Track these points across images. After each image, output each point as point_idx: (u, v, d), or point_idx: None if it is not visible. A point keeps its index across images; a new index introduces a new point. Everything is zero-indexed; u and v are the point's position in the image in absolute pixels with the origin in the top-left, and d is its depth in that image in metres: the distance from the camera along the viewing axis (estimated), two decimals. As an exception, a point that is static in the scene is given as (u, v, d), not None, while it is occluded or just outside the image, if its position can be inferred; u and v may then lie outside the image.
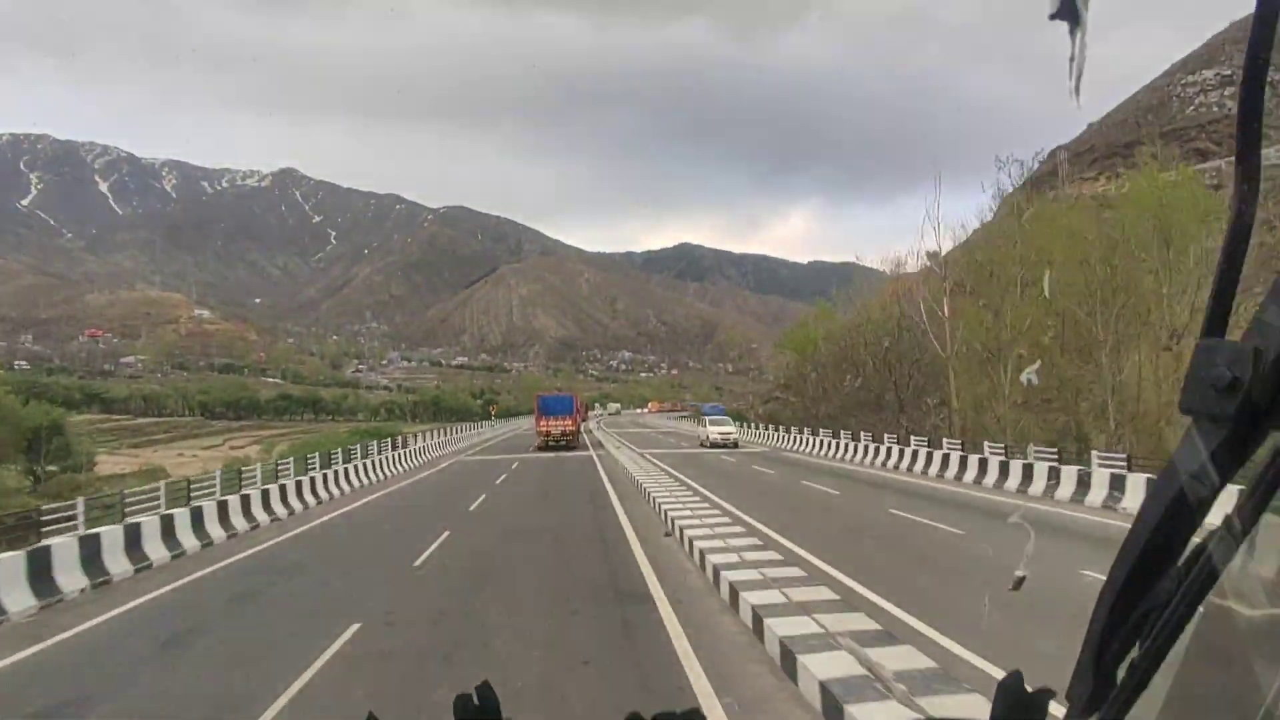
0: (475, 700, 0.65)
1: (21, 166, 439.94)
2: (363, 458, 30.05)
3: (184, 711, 6.81)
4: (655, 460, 31.17)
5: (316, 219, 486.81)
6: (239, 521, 17.06)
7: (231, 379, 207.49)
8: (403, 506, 22.18)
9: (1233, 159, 0.58)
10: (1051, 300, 35.57)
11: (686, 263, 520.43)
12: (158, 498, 16.96)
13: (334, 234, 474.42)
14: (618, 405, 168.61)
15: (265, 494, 18.98)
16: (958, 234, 42.79)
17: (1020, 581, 1.14)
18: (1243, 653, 0.67)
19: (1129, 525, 0.64)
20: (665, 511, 15.95)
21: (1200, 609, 0.61)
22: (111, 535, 12.80)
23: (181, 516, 15.05)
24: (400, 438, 40.34)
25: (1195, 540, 0.61)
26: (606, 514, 18.00)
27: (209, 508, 16.15)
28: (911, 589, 9.78)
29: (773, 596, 8.66)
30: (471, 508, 19.95)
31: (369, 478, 28.27)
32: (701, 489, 20.95)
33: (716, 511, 15.98)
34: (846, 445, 34.98)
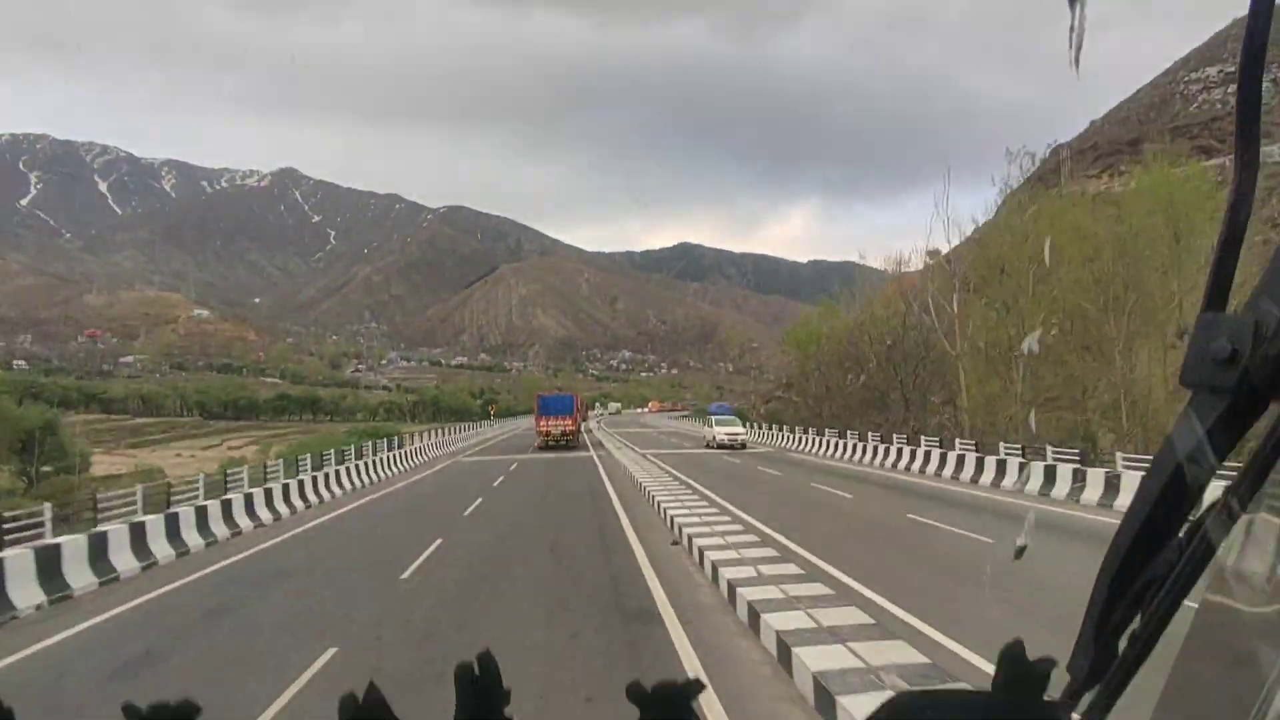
0: (476, 670, 0.64)
1: (21, 166, 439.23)
2: (357, 459, 29.11)
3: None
4: (658, 461, 30.23)
5: (316, 219, 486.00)
6: (219, 528, 16.09)
7: (230, 379, 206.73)
8: (395, 511, 21.23)
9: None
10: (1062, 296, 34.75)
11: (686, 262, 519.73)
12: (134, 503, 16.03)
13: (333, 234, 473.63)
14: (618, 405, 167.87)
15: (249, 499, 18.01)
16: (964, 230, 41.90)
17: (1021, 551, 1.09)
18: (1239, 648, 0.67)
19: None
20: (671, 518, 15.00)
21: (1202, 584, 0.61)
22: (75, 546, 11.84)
23: (155, 524, 14.08)
24: (396, 438, 39.41)
25: (1195, 513, 0.61)
26: (608, 519, 17.06)
27: (186, 514, 15.20)
28: (951, 609, 8.80)
29: (799, 619, 7.70)
30: (467, 512, 19.00)
31: (363, 480, 27.32)
32: (707, 491, 20.01)
33: (726, 518, 15.02)
34: (854, 446, 34.00)
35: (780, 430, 45.98)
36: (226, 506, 16.92)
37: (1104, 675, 0.63)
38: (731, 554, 11.11)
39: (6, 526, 12.63)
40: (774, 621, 7.68)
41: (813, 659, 6.48)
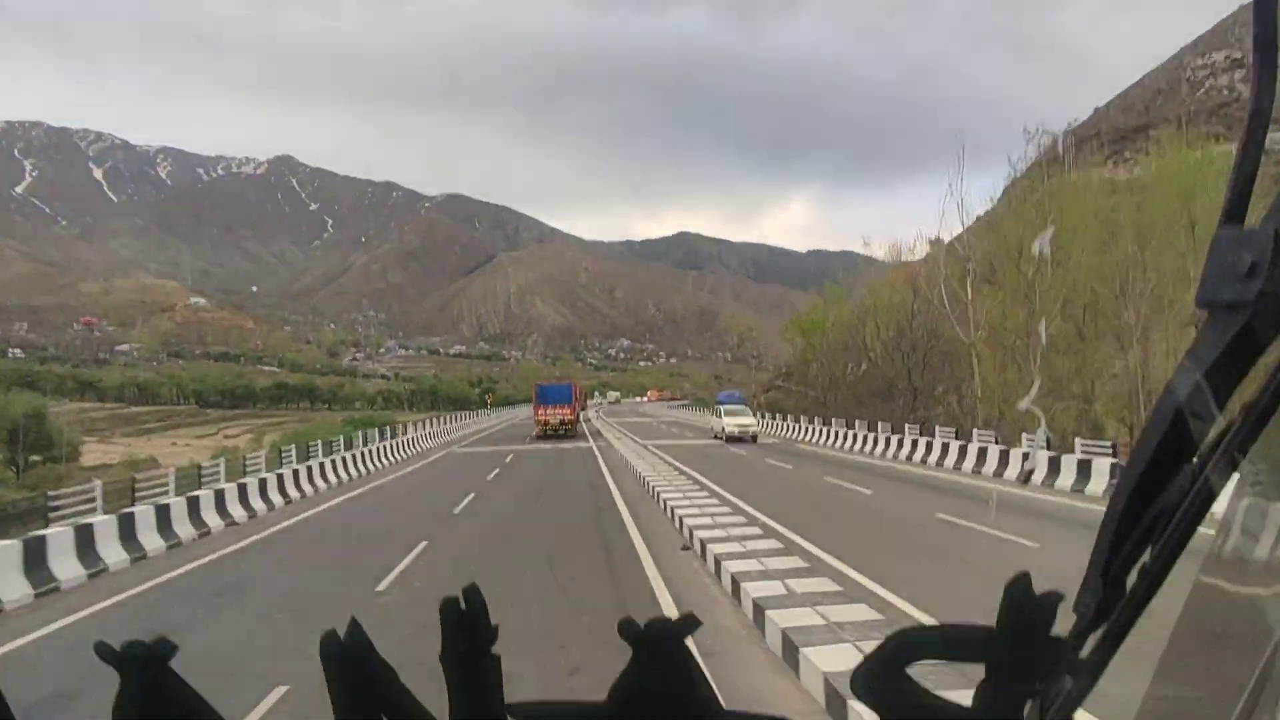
0: (463, 604, 0.62)
1: (16, 154, 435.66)
2: (346, 450, 27.72)
3: None
4: (660, 453, 28.86)
5: (313, 206, 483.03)
6: (184, 529, 14.70)
7: (227, 367, 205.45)
8: (380, 507, 19.85)
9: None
10: (1081, 281, 33.46)
11: (685, 251, 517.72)
12: (93, 500, 14.64)
13: (331, 221, 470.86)
14: (617, 394, 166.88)
15: (219, 495, 16.60)
16: (974, 215, 40.42)
17: (1029, 475, 0.94)
18: (1232, 627, 0.67)
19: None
20: (681, 519, 13.61)
21: (1212, 513, 0.58)
22: (7, 552, 10.45)
23: (107, 526, 12.68)
24: (389, 428, 38.04)
25: (1207, 441, 0.57)
26: (610, 518, 15.67)
27: (144, 514, 13.78)
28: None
29: (846, 655, 6.30)
30: (457, 510, 17.61)
31: (350, 473, 25.94)
32: (714, 486, 18.63)
33: (740, 518, 13.62)
34: (864, 437, 32.58)
35: (784, 420, 44.52)
36: (194, 504, 15.51)
37: (1111, 613, 0.60)
38: (753, 564, 9.72)
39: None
40: (817, 658, 6.29)
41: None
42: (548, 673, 7.03)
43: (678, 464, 24.41)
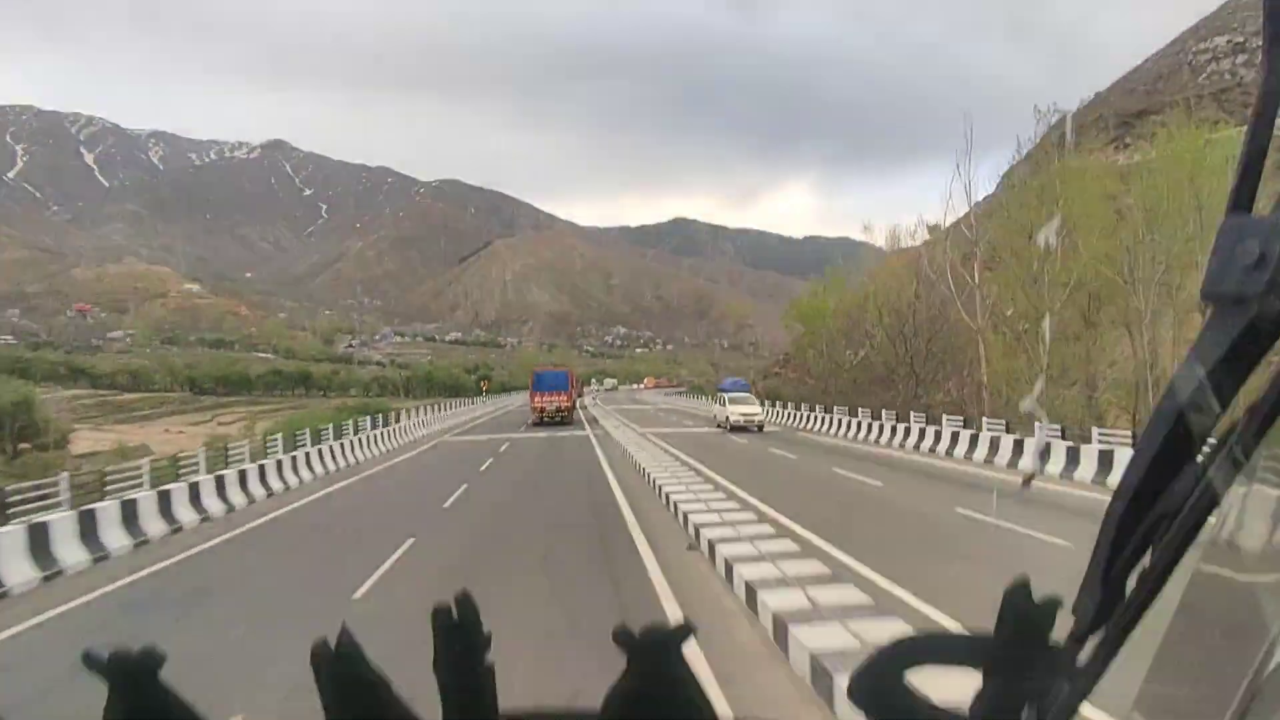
0: (455, 612, 0.60)
1: (7, 138, 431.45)
2: (336, 439, 26.78)
3: None
4: (659, 441, 27.97)
5: (307, 192, 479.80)
6: (154, 525, 13.75)
7: (222, 354, 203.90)
8: (366, 501, 18.93)
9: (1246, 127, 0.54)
10: (1091, 265, 32.58)
11: (681, 238, 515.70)
12: (57, 495, 13.66)
13: (325, 207, 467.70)
14: (614, 381, 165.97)
15: (194, 488, 15.66)
16: (977, 198, 39.37)
17: (1029, 479, 0.94)
18: (1230, 618, 0.66)
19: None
20: (685, 515, 12.71)
21: (1211, 519, 0.57)
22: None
23: (67, 523, 11.74)
24: (382, 415, 37.08)
25: (1211, 441, 0.55)
26: (609, 512, 14.77)
27: (108, 510, 12.83)
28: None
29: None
30: (447, 503, 16.69)
31: (338, 463, 25.01)
32: (717, 478, 17.76)
33: (748, 514, 12.71)
34: (867, 425, 31.69)
35: (785, 408, 43.62)
36: (165, 498, 14.56)
37: (1110, 617, 0.59)
38: (769, 569, 8.81)
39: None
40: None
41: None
42: (542, 685, 6.10)
43: (679, 453, 23.52)
